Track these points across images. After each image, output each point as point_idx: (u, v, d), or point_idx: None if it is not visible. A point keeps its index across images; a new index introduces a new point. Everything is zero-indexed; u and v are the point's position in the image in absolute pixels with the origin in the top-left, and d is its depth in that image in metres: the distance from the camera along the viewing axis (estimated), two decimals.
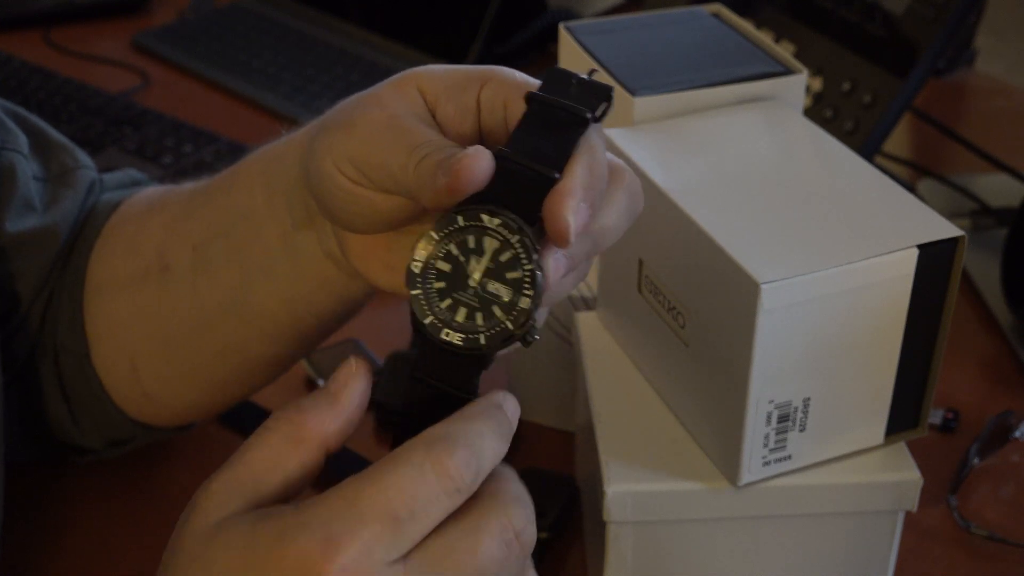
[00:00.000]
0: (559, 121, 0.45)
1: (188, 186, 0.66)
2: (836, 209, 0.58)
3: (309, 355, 0.82)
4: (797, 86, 0.69)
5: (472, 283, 0.43)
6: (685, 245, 0.58)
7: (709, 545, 0.62)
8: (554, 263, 0.44)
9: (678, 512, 0.60)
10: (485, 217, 0.43)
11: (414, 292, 0.43)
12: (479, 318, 0.43)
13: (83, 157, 0.71)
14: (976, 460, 0.76)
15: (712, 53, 0.72)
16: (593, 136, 0.45)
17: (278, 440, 0.42)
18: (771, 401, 0.56)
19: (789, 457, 0.59)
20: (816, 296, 0.54)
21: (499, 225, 0.43)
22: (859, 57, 0.94)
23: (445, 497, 0.40)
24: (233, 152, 1.07)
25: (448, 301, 0.43)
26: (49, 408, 0.69)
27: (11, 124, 0.68)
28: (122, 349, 0.67)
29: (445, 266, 0.43)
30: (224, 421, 0.79)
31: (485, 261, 0.43)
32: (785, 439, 0.58)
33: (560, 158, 0.44)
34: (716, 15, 0.77)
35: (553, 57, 0.80)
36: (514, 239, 0.43)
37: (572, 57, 0.74)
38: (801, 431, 0.58)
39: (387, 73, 0.53)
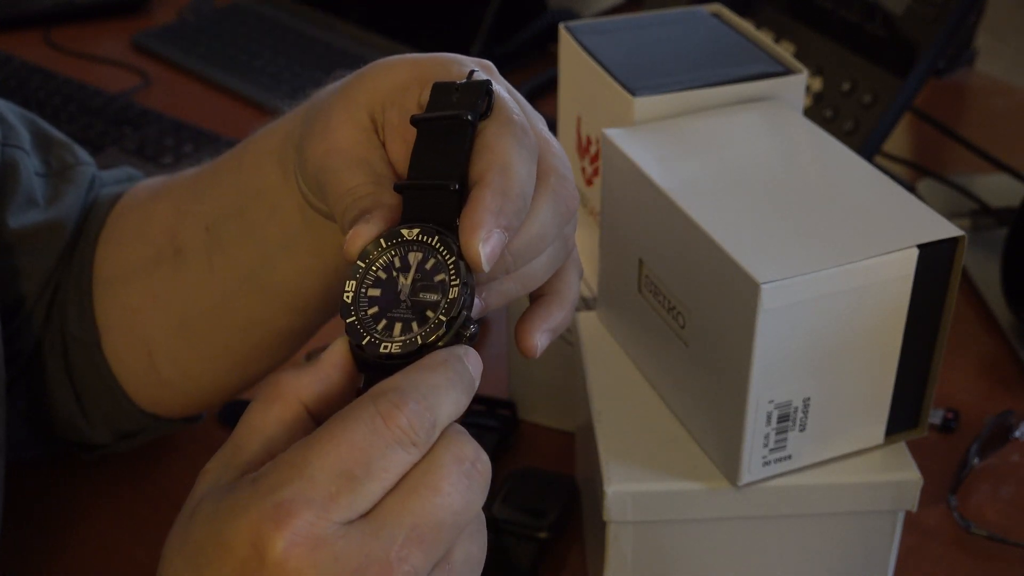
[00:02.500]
0: (445, 132, 0.46)
1: (191, 170, 0.67)
2: (836, 209, 0.58)
3: (309, 356, 0.82)
4: (797, 86, 0.69)
5: (403, 297, 0.44)
6: (685, 245, 0.58)
7: (709, 545, 0.62)
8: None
9: (678, 512, 0.60)
10: (404, 231, 0.44)
11: (349, 320, 0.44)
12: (415, 327, 0.43)
13: (82, 154, 0.71)
14: (976, 460, 0.76)
15: (712, 53, 0.72)
16: (501, 142, 0.45)
17: (257, 405, 0.42)
18: (771, 401, 0.56)
19: (789, 457, 0.59)
20: (816, 296, 0.54)
21: (418, 234, 0.44)
22: (859, 57, 0.94)
23: (401, 450, 0.39)
24: None
25: (384, 322, 0.44)
26: (57, 402, 0.69)
27: (13, 120, 0.68)
28: (137, 338, 0.67)
29: (375, 291, 0.44)
30: (225, 421, 0.79)
31: (412, 274, 0.44)
32: (785, 439, 0.58)
33: (454, 166, 0.45)
34: (716, 15, 0.77)
35: (553, 57, 0.80)
36: (434, 241, 0.44)
37: (572, 57, 0.74)
38: (801, 431, 0.58)
39: None
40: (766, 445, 0.58)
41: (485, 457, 0.41)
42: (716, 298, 0.56)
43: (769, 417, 0.57)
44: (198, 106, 1.21)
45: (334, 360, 0.43)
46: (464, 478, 0.40)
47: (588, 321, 0.70)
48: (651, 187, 0.60)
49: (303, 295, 0.62)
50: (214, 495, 0.40)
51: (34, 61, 1.26)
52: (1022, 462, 0.78)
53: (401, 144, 0.49)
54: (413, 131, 0.47)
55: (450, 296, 0.43)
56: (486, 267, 0.43)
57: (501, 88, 0.48)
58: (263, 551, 0.37)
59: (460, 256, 0.43)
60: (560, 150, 0.48)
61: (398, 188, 0.46)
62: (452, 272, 0.43)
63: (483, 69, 0.49)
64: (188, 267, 0.64)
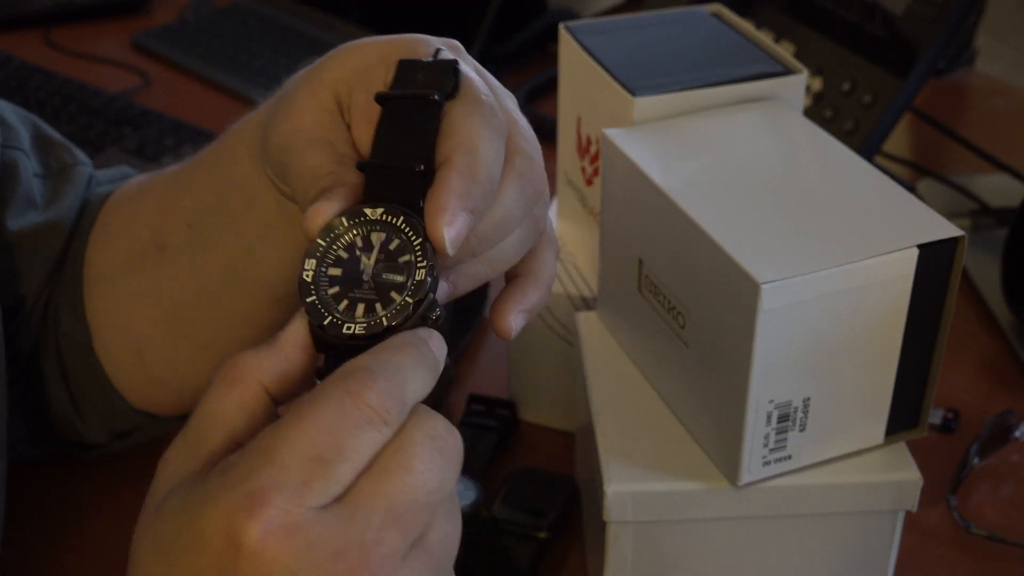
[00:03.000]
0: (412, 112, 0.45)
1: (175, 166, 0.66)
2: (836, 209, 0.58)
3: None
4: (797, 86, 0.69)
5: (366, 277, 0.43)
6: (685, 245, 0.58)
7: (709, 545, 0.62)
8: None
9: (678, 512, 0.60)
10: (368, 211, 0.43)
11: (308, 299, 0.43)
12: (379, 308, 0.42)
13: (80, 155, 0.71)
14: (976, 460, 0.76)
15: (712, 53, 0.72)
16: (468, 122, 0.44)
17: (215, 390, 0.41)
18: (771, 401, 0.56)
19: (789, 457, 0.59)
20: (816, 296, 0.54)
21: (382, 214, 0.43)
22: (859, 57, 0.94)
23: (372, 430, 0.38)
24: None
25: (345, 302, 0.43)
26: (53, 403, 0.69)
27: (12, 121, 0.68)
28: (126, 336, 0.67)
29: (336, 271, 0.43)
30: None
31: (375, 254, 0.43)
32: (785, 439, 0.58)
33: (420, 147, 0.44)
34: (716, 15, 0.77)
35: (553, 57, 0.80)
36: (399, 222, 0.43)
37: (572, 57, 0.74)
38: (801, 431, 0.58)
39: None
40: (766, 445, 0.58)
41: (456, 434, 0.40)
42: (716, 298, 0.56)
43: (769, 417, 0.57)
44: (198, 106, 1.21)
45: (294, 340, 0.42)
46: (437, 455, 0.39)
47: (588, 321, 0.70)
48: (651, 187, 0.60)
49: (285, 286, 0.61)
50: (182, 488, 0.39)
51: (34, 61, 1.26)
52: (1022, 462, 0.78)
53: (367, 125, 0.48)
54: (379, 112, 0.47)
55: (416, 278, 0.42)
56: (451, 250, 0.42)
57: (468, 68, 0.47)
58: (238, 541, 0.36)
59: (427, 238, 0.42)
60: (528, 130, 0.48)
61: (360, 166, 0.45)
62: (419, 254, 0.42)
63: (450, 48, 0.49)
64: (171, 263, 0.64)
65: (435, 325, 0.43)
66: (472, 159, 0.43)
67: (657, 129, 0.65)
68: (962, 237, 0.56)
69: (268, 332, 0.65)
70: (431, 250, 0.42)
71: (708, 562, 0.62)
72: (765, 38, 0.73)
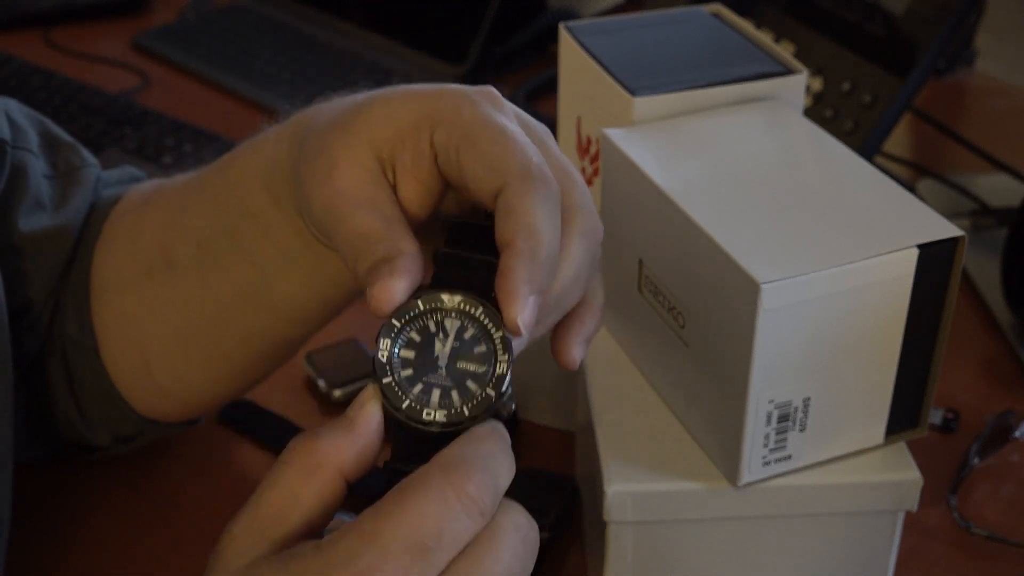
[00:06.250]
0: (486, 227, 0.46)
1: (180, 179, 0.66)
2: (836, 209, 0.58)
3: (309, 355, 0.82)
4: (797, 86, 0.69)
5: (441, 364, 0.43)
6: (685, 245, 0.58)
7: (709, 545, 0.62)
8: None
9: (678, 512, 0.60)
10: (445, 297, 0.43)
11: (385, 380, 0.43)
12: (455, 396, 0.42)
13: (88, 155, 0.71)
14: (976, 460, 0.76)
15: (712, 53, 0.72)
16: (524, 201, 0.44)
17: (293, 473, 0.42)
18: (771, 401, 0.56)
19: (789, 457, 0.59)
20: (816, 296, 0.54)
21: (460, 303, 0.43)
22: (859, 57, 0.94)
23: (469, 521, 0.39)
24: None
25: (419, 386, 0.43)
26: (57, 405, 0.69)
27: (21, 122, 0.68)
28: (133, 344, 0.67)
29: (409, 353, 0.43)
30: (224, 421, 0.79)
31: (450, 341, 0.43)
32: (785, 439, 0.58)
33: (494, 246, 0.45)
34: (716, 15, 0.77)
35: (553, 57, 0.80)
36: (477, 312, 0.43)
37: (572, 57, 0.74)
38: (801, 431, 0.58)
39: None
40: (766, 445, 0.58)
41: (535, 526, 0.42)
42: (716, 298, 0.56)
43: (769, 417, 0.57)
44: (198, 106, 1.21)
45: (368, 423, 0.43)
46: (520, 545, 0.40)
47: None
48: (651, 187, 0.60)
49: (304, 308, 0.61)
50: (271, 566, 0.39)
51: (34, 61, 1.26)
52: (1022, 462, 0.78)
53: (416, 184, 0.48)
54: (427, 171, 0.47)
55: (498, 372, 0.43)
56: (525, 334, 0.43)
57: (517, 130, 0.46)
58: None
59: (508, 332, 0.43)
60: (579, 177, 0.48)
61: (435, 256, 0.45)
62: (500, 348, 0.43)
63: (486, 97, 0.48)
64: (181, 280, 0.63)
65: (503, 417, 0.43)
66: (533, 241, 0.43)
67: (657, 129, 0.65)
68: (962, 237, 0.56)
69: (282, 349, 0.65)
70: (512, 344, 0.43)
71: (708, 562, 0.62)
72: (765, 38, 0.73)
